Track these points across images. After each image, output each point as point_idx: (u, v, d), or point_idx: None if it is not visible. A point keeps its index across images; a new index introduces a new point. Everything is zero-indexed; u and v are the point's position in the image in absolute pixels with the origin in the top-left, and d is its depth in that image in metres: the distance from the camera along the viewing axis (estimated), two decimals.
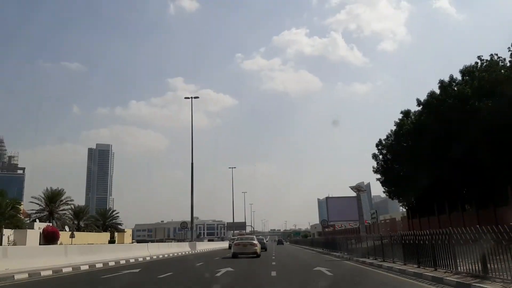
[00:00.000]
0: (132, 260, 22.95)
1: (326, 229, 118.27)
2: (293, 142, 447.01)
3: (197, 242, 43.48)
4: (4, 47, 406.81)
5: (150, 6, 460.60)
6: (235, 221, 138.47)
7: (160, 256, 28.80)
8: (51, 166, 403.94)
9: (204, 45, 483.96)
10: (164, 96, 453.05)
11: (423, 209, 32.36)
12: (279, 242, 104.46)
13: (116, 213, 72.97)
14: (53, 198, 55.55)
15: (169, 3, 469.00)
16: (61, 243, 51.16)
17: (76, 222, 62.89)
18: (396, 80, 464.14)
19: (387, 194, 37.97)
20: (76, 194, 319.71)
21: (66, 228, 50.85)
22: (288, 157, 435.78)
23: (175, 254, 32.13)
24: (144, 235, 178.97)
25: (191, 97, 41.92)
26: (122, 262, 21.48)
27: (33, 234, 46.57)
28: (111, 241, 64.01)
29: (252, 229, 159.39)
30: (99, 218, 71.42)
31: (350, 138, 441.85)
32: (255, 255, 27.02)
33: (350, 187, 46.69)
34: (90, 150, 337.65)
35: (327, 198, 45.85)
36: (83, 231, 63.10)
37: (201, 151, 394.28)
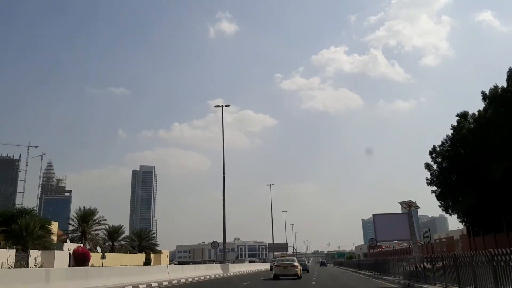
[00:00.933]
0: (142, 286, 19.70)
1: (372, 250, 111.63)
2: (335, 161, 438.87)
3: (231, 264, 39.76)
4: (55, 75, 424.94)
5: (191, 31, 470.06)
6: (276, 242, 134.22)
7: (182, 281, 25.47)
8: (97, 189, 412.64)
9: (243, 66, 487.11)
10: (205, 118, 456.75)
11: (488, 225, 27.54)
12: (322, 264, 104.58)
13: (153, 234, 70.35)
14: (85, 217, 53.50)
15: (209, 27, 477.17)
16: (92, 265, 48.79)
17: (110, 242, 60.74)
18: (440, 96, 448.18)
19: (443, 208, 33.17)
20: (121, 216, 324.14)
21: (98, 249, 48.52)
22: (330, 176, 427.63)
23: (202, 278, 28.89)
24: (186, 256, 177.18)
25: (222, 105, 39.15)
26: None
27: (62, 256, 44.30)
28: (146, 262, 61.38)
29: (294, 250, 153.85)
30: (135, 239, 69.08)
31: (394, 157, 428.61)
32: (296, 277, 27.53)
33: (400, 202, 41.96)
34: (134, 172, 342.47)
35: (374, 215, 41.25)
36: (118, 252, 60.84)
37: (241, 172, 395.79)
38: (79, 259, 46.90)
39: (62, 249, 46.05)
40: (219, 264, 37.10)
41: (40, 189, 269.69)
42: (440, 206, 33.91)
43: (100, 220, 54.58)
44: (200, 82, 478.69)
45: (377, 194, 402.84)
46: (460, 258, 13.80)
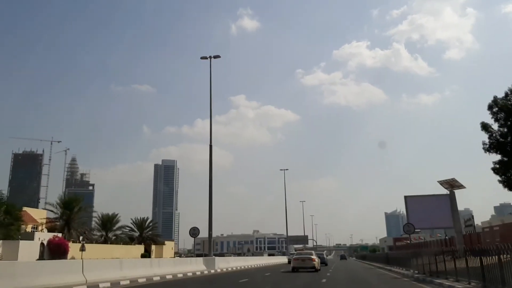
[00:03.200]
0: None
1: (398, 243, 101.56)
2: (356, 155, 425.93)
3: (219, 258, 31.39)
4: (80, 73, 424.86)
5: (213, 29, 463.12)
6: (296, 234, 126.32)
7: (156, 278, 18.89)
8: (123, 183, 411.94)
9: (265, 62, 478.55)
10: (227, 114, 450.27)
11: None
12: (342, 257, 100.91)
13: (155, 223, 62.55)
14: (69, 204, 46.17)
15: (231, 24, 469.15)
16: (73, 257, 41.31)
17: (104, 233, 53.40)
18: (465, 90, 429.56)
19: (505, 184, 23.86)
20: (144, 209, 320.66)
21: (82, 240, 40.96)
22: (352, 171, 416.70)
23: (156, 279, 19.38)
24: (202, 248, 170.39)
25: (210, 57, 30.82)
26: None
27: (31, 247, 36.85)
28: (144, 254, 53.62)
29: (315, 243, 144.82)
30: (135, 229, 61.51)
31: (417, 151, 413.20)
32: (313, 270, 27.85)
33: (439, 182, 32.69)
34: (156, 166, 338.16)
35: (406, 197, 32.25)
36: (113, 243, 53.41)
37: (263, 167, 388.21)
38: (55, 251, 39.53)
39: (33, 239, 38.59)
40: (202, 258, 28.49)
41: (64, 183, 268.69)
42: (500, 182, 24.60)
43: (87, 207, 46.82)
44: (222, 78, 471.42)
45: (400, 188, 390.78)
46: None
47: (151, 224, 63.86)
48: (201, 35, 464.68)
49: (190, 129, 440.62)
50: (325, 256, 52.64)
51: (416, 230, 28.87)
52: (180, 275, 21.96)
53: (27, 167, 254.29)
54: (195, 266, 25.46)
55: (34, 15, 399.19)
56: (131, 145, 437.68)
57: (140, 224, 62.06)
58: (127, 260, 21.18)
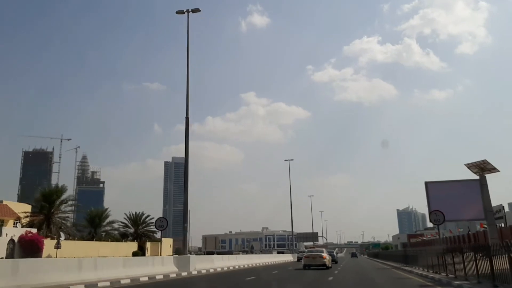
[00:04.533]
0: None
1: (413, 239, 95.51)
2: (368, 152, 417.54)
3: (197, 257, 25.42)
4: (92, 72, 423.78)
5: (223, 25, 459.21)
6: (306, 231, 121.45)
7: None
8: (134, 181, 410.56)
9: (275, 59, 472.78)
10: (238, 111, 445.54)
11: None
12: (353, 255, 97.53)
13: (151, 219, 58.26)
14: (50, 196, 41.58)
15: (241, 21, 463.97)
16: (49, 256, 36.73)
17: (92, 229, 48.80)
18: (478, 84, 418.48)
19: None
20: (155, 207, 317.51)
21: (62, 236, 36.32)
22: (363, 168, 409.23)
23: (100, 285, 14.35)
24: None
25: (187, 11, 25.66)
26: None
27: None
28: (136, 252, 48.83)
29: (325, 241, 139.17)
30: (129, 225, 56.76)
31: (429, 147, 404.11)
32: (324, 267, 27.99)
33: (467, 165, 27.31)
34: (166, 163, 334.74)
35: (426, 183, 26.73)
36: (102, 240, 48.76)
37: (274, 164, 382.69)
38: (27, 248, 34.81)
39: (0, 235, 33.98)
40: (173, 257, 22.45)
41: (75, 181, 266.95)
42: None
43: (69, 201, 42.12)
44: (232, 76, 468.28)
45: (412, 185, 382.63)
46: None
47: (147, 219, 59.10)
48: (211, 32, 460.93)
49: (201, 127, 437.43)
50: (335, 253, 51.39)
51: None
52: (125, 281, 16.05)
53: (37, 165, 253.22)
54: (160, 268, 19.65)
55: (45, 15, 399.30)
56: (142, 143, 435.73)
57: (134, 219, 57.30)
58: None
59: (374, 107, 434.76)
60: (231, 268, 27.45)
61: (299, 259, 52.40)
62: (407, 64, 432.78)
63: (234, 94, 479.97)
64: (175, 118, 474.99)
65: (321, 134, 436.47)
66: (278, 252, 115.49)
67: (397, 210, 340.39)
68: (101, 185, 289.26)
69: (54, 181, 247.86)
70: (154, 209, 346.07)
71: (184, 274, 20.29)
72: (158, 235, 62.36)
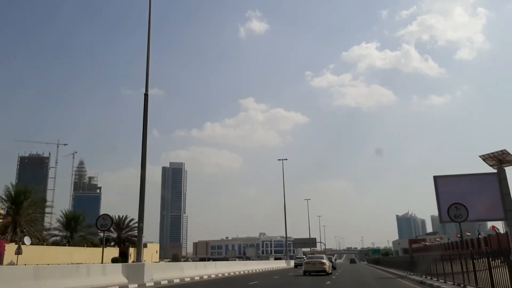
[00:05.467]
0: None
1: (415, 245, 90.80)
2: (367, 158, 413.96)
3: (152, 265, 19.88)
4: (91, 78, 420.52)
5: (221, 32, 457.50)
6: (304, 237, 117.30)
7: None
8: (131, 187, 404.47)
9: (273, 65, 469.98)
10: (236, 117, 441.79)
11: None
12: (352, 261, 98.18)
13: (135, 223, 53.91)
14: (16, 197, 37.51)
15: (239, 27, 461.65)
16: (11, 262, 32.69)
17: (68, 233, 44.72)
18: (477, 90, 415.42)
19: None
20: (152, 212, 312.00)
21: (27, 241, 32.12)
22: (362, 173, 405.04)
23: None
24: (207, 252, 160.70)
25: None
26: None
27: None
28: (116, 259, 44.55)
29: (324, 247, 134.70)
30: (113, 229, 52.55)
31: (428, 153, 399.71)
32: (324, 273, 27.49)
33: (482, 156, 23.19)
34: (164, 169, 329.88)
35: (435, 177, 22.42)
36: (78, 245, 44.62)
37: (273, 169, 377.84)
38: None
39: None
40: (122, 265, 17.65)
41: (72, 186, 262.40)
42: None
43: (38, 202, 37.96)
44: (231, 82, 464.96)
45: (412, 191, 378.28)
46: None
47: (131, 223, 54.85)
48: (209, 38, 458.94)
49: (200, 133, 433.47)
50: (333, 260, 50.01)
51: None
52: None
53: (33, 170, 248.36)
54: (98, 279, 14.76)
55: (44, 20, 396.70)
56: (140, 148, 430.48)
57: (117, 223, 53.10)
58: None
59: (373, 112, 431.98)
60: (205, 277, 23.22)
61: (296, 266, 51.16)
62: (406, 70, 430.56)
63: (233, 100, 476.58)
64: (173, 123, 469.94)
65: (320, 140, 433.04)
66: (276, 258, 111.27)
67: (397, 215, 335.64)
68: (98, 190, 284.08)
69: (50, 186, 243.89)
70: (151, 215, 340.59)
71: (132, 286, 15.76)
72: (144, 240, 58.31)
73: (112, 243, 51.78)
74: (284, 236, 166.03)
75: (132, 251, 52.06)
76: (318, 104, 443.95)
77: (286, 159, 64.10)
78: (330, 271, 28.94)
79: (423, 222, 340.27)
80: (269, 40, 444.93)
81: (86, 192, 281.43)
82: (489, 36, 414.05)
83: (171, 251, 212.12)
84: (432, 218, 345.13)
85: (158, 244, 65.99)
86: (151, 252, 55.63)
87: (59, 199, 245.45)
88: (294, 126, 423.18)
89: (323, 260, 28.91)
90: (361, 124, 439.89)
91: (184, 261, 60.65)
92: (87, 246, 44.45)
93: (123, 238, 52.64)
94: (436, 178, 23.88)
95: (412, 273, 24.91)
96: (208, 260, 72.75)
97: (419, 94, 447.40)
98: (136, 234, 55.35)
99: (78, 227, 46.22)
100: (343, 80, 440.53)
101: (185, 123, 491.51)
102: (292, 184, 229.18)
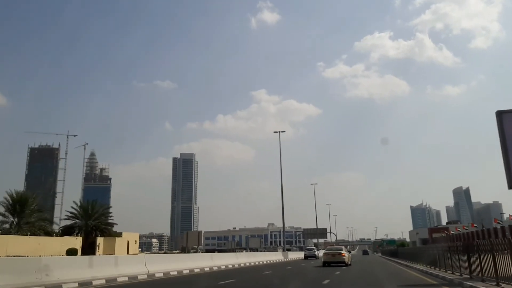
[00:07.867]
0: None
1: (435, 234, 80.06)
2: (380, 149, 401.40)
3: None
4: (103, 71, 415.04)
5: (233, 23, 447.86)
6: (315, 227, 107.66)
7: None
8: (144, 178, 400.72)
9: (285, 56, 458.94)
10: (248, 109, 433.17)
11: None
12: (364, 252, 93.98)
13: (106, 208, 44.69)
14: None
15: (251, 18, 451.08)
16: None
17: (15, 220, 35.88)
18: (493, 79, 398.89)
19: None
20: (163, 203, 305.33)
21: None
22: (376, 164, 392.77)
23: None
24: (214, 243, 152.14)
25: None
26: None
27: None
28: (71, 250, 35.33)
29: (335, 237, 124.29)
30: (80, 217, 43.52)
31: (443, 143, 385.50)
32: (343, 264, 27.36)
33: None
34: (174, 160, 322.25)
35: (500, 112, 10.81)
36: (27, 234, 35.52)
37: (285, 161, 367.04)
38: None
39: None
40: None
41: (83, 177, 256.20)
42: None
43: None
44: (243, 73, 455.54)
45: (425, 181, 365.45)
46: None
47: (102, 210, 45.58)
48: (221, 30, 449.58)
49: (212, 125, 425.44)
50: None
51: None
52: None
53: (43, 161, 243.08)
54: None
55: (56, 12, 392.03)
56: (152, 140, 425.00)
57: (85, 209, 44.02)
58: None
59: (386, 103, 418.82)
60: (161, 275, 13.98)
61: (306, 257, 50.70)
62: (420, 60, 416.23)
63: (245, 92, 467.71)
64: (186, 116, 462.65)
65: (332, 131, 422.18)
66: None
67: (411, 206, 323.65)
68: (108, 181, 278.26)
69: (60, 177, 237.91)
70: (163, 206, 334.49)
71: None
72: (117, 228, 48.98)
73: (77, 232, 42.93)
74: (294, 227, 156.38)
75: (100, 241, 43.02)
76: (331, 95, 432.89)
77: (284, 131, 54.68)
78: (349, 262, 28.85)
79: (437, 213, 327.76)
80: (281, 31, 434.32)
81: (98, 183, 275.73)
82: (505, 24, 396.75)
83: (180, 242, 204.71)
84: (448, 209, 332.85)
85: (138, 234, 56.59)
86: (125, 242, 46.42)
87: (70, 190, 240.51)
88: (307, 118, 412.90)
89: (342, 252, 28.68)
90: (374, 115, 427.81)
91: (194, 252, 52.90)
92: (34, 235, 35.28)
93: (92, 227, 43.61)
94: (501, 113, 13.86)
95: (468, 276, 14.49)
96: (213, 251, 63.34)
97: (433, 84, 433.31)
98: (109, 222, 46.49)
99: (26, 212, 37.26)
100: (356, 71, 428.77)
101: (198, 116, 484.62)
102: (303, 175, 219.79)
